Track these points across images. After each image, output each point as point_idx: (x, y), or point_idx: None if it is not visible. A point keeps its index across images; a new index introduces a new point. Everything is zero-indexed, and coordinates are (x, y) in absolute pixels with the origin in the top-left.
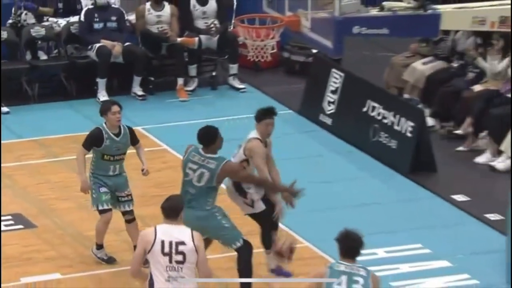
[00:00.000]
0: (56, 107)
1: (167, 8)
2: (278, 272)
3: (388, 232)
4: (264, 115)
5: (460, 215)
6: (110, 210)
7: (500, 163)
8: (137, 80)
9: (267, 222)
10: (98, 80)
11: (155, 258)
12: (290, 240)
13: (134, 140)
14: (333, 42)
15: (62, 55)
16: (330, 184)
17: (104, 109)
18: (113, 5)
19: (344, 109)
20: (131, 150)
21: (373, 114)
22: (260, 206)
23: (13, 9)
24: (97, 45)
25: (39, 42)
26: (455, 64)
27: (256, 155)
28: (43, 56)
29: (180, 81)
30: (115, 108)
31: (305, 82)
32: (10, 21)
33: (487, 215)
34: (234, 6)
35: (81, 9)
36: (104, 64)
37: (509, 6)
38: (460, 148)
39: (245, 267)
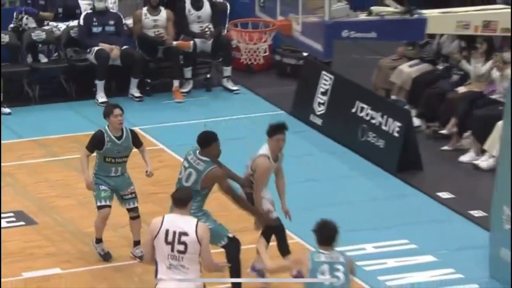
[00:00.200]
0: (56, 108)
1: (163, 13)
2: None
3: (376, 228)
4: (275, 130)
5: (445, 212)
6: (108, 206)
7: (484, 162)
8: (134, 82)
9: (280, 230)
10: (96, 82)
11: (159, 246)
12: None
13: (137, 143)
14: (323, 46)
15: (62, 58)
16: (320, 182)
17: (107, 112)
18: (111, 10)
19: (333, 110)
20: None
21: (361, 114)
22: (273, 215)
23: (14, 13)
24: (96, 48)
25: (40, 45)
26: (440, 67)
27: (258, 172)
28: (43, 59)
29: (176, 83)
30: (116, 111)
31: (296, 84)
32: (11, 25)
33: (471, 212)
34: (228, 11)
35: (80, 13)
36: (103, 66)
37: (492, 12)
38: (445, 148)
39: (233, 264)
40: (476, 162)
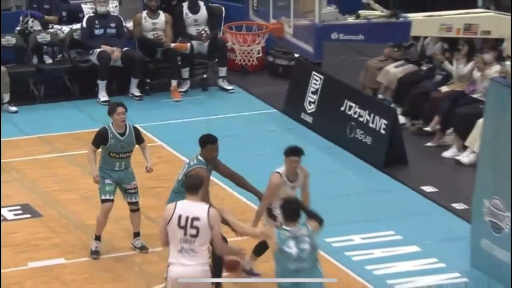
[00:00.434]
0: (60, 106)
1: (162, 16)
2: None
3: (363, 220)
4: (290, 153)
5: (429, 205)
6: (111, 201)
7: (465, 158)
8: (134, 82)
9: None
10: (99, 82)
11: (172, 231)
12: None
13: (139, 139)
14: (314, 47)
15: (66, 59)
16: (310, 177)
17: (110, 110)
18: (112, 14)
19: (323, 109)
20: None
21: (350, 113)
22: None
23: (21, 17)
24: (98, 50)
25: (45, 47)
26: (424, 67)
27: (268, 186)
28: (48, 60)
29: (174, 82)
30: (119, 109)
31: (288, 84)
32: (18, 28)
33: (453, 205)
34: (223, 14)
35: (83, 17)
36: (104, 67)
37: (473, 15)
38: (429, 144)
39: (213, 261)
40: (458, 157)
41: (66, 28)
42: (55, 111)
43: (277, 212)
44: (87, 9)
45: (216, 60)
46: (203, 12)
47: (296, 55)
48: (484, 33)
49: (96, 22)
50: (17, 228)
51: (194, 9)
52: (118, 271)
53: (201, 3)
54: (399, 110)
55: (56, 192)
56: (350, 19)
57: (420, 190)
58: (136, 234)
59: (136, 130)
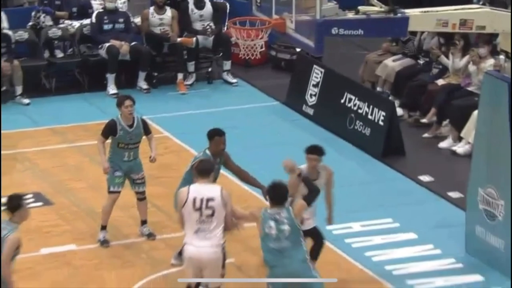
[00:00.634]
0: (71, 99)
1: (169, 12)
2: None
3: (362, 208)
4: (309, 151)
5: (425, 193)
6: (118, 192)
7: (460, 148)
8: (142, 75)
9: (317, 237)
10: (107, 75)
11: (188, 213)
12: None
13: (146, 131)
14: (315, 42)
15: (76, 53)
16: None
17: (119, 102)
18: (120, 9)
19: (324, 101)
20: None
21: (349, 105)
22: (310, 224)
23: (33, 12)
24: (107, 44)
25: (56, 41)
26: (421, 61)
27: (288, 182)
28: (59, 54)
29: (180, 76)
30: (127, 102)
31: (290, 77)
32: (30, 23)
33: (449, 193)
34: (227, 10)
35: (93, 12)
36: (113, 61)
37: (468, 11)
38: (426, 135)
39: None
40: (453, 148)
41: (76, 23)
42: (66, 103)
43: None
44: (96, 5)
45: (221, 54)
46: (208, 7)
47: (298, 50)
48: (479, 28)
49: (105, 17)
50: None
51: (200, 5)
52: (126, 257)
53: None
54: (397, 103)
55: (67, 181)
56: (350, 15)
57: (417, 179)
58: (143, 222)
59: (144, 122)
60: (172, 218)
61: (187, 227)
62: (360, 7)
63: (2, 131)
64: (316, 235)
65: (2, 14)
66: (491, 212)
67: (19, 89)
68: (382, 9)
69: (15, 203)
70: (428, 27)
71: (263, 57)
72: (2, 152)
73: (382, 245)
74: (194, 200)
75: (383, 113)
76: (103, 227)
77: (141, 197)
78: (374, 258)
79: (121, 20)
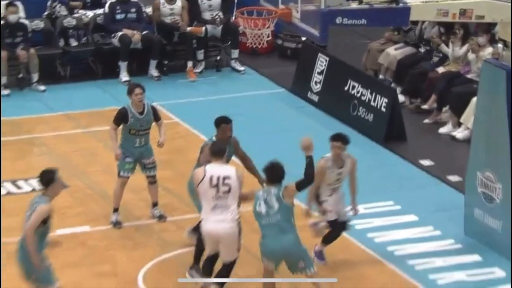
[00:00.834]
0: (85, 86)
1: (179, 2)
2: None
3: (365, 191)
4: (333, 138)
5: (426, 177)
6: (128, 177)
7: (460, 133)
8: (153, 63)
9: (336, 228)
10: (120, 63)
11: (204, 190)
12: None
13: (156, 117)
14: (320, 31)
15: (90, 42)
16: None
17: (129, 91)
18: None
19: (328, 88)
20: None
21: (353, 92)
22: (331, 216)
23: (48, 2)
24: (119, 33)
25: (71, 31)
26: (422, 50)
27: (315, 171)
28: (74, 43)
29: (190, 64)
30: (137, 90)
31: (295, 65)
32: (46, 13)
33: (449, 177)
34: (236, 0)
35: (106, 2)
36: (125, 49)
37: (468, 1)
38: (426, 121)
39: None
40: (453, 133)
41: (90, 13)
42: (80, 90)
43: (324, 198)
44: None
45: (229, 43)
46: None
47: (303, 38)
48: (478, 18)
49: (118, 7)
50: None
51: None
52: (138, 239)
53: None
54: (398, 90)
55: (81, 165)
56: (354, 5)
57: (418, 164)
58: (154, 204)
59: (154, 109)
60: (182, 200)
61: (204, 204)
62: None
63: (19, 117)
64: (336, 225)
65: (19, 4)
66: (489, 195)
67: (35, 77)
68: None
69: (49, 177)
70: (429, 16)
71: (270, 46)
72: (19, 137)
73: (384, 227)
74: (211, 177)
75: (385, 100)
76: (115, 210)
77: (152, 181)
78: (376, 239)
79: (133, 10)
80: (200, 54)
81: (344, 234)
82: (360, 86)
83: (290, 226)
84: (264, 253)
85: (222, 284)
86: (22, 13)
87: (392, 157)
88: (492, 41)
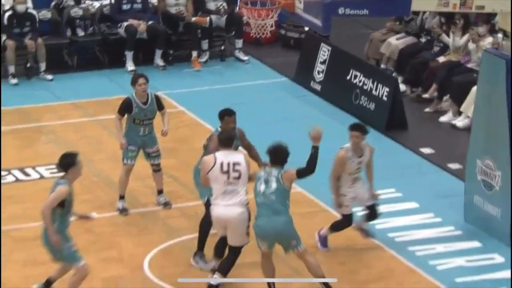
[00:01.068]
0: (91, 75)
1: None
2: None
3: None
4: (351, 128)
5: (426, 165)
6: (132, 165)
7: (460, 122)
8: (158, 53)
9: (348, 219)
10: (126, 53)
11: (215, 176)
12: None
13: (160, 106)
14: (322, 21)
15: (97, 32)
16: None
17: (133, 81)
18: None
19: (331, 77)
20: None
21: (355, 81)
22: (347, 211)
23: None
24: (125, 23)
25: (77, 21)
26: (423, 40)
27: (334, 160)
28: (80, 33)
29: (194, 53)
30: (141, 80)
31: (298, 55)
32: (53, 3)
33: (449, 165)
34: None
35: None
36: (131, 39)
37: None
38: (427, 110)
39: (202, 222)
40: (453, 122)
41: (96, 3)
42: (87, 79)
43: (345, 190)
44: None
45: (233, 33)
46: None
47: (306, 29)
48: (478, 8)
49: None
50: None
51: None
52: (143, 225)
53: None
54: (400, 79)
55: (87, 153)
56: None
57: (418, 152)
58: (160, 192)
59: (157, 98)
60: (187, 188)
61: (215, 189)
62: None
63: (27, 106)
64: (348, 217)
65: None
66: (489, 183)
67: (43, 66)
68: None
69: (69, 161)
70: (430, 7)
71: (273, 36)
72: (27, 125)
73: (385, 214)
74: (222, 164)
75: (387, 89)
76: (121, 197)
77: (157, 169)
78: (378, 226)
79: (138, 0)
80: (205, 44)
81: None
82: (362, 75)
83: (284, 208)
84: (258, 233)
85: (226, 272)
86: (30, 3)
87: (393, 145)
88: (492, 31)
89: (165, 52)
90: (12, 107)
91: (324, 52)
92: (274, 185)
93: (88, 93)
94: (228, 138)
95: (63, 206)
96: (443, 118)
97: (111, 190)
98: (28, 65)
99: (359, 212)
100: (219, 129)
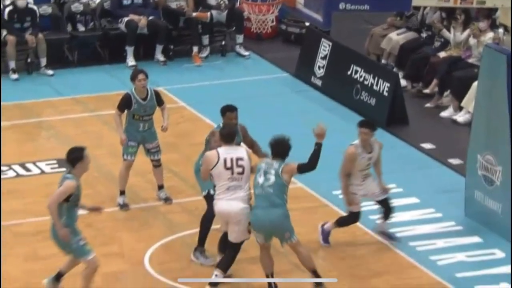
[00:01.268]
0: (92, 70)
1: None
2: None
3: None
4: (359, 124)
5: (427, 160)
6: (132, 160)
7: (461, 117)
8: (159, 48)
9: (355, 216)
10: (127, 48)
11: (219, 173)
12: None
13: (159, 101)
14: (323, 17)
15: (97, 27)
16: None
17: (132, 77)
18: None
19: (332, 73)
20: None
21: (356, 76)
22: (356, 208)
23: None
24: (126, 18)
25: (78, 16)
26: (424, 35)
27: (344, 157)
28: (81, 28)
29: (195, 49)
30: (140, 76)
31: (299, 50)
32: None
33: (450, 160)
34: None
35: None
36: (132, 34)
37: None
38: (428, 105)
39: (204, 217)
40: (454, 117)
41: None
42: (87, 75)
43: (355, 188)
44: None
45: (234, 28)
46: None
47: (307, 24)
48: (479, 3)
49: None
50: (54, 180)
51: None
52: (144, 220)
53: None
54: (400, 74)
55: (88, 148)
56: None
57: (419, 147)
58: (160, 187)
59: (157, 93)
60: (187, 183)
61: (218, 186)
62: None
63: (27, 101)
64: (356, 215)
65: None
66: (490, 178)
67: (43, 61)
68: None
69: (77, 155)
70: (431, 2)
71: (274, 31)
72: (27, 120)
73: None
74: (225, 160)
75: (388, 84)
76: (122, 192)
77: (157, 164)
78: (378, 221)
79: None
80: (205, 39)
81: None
82: (362, 70)
83: (281, 201)
84: (253, 223)
85: (226, 269)
86: None
87: (394, 141)
88: (493, 26)
89: (165, 47)
90: (13, 102)
91: (324, 47)
92: (272, 178)
93: (88, 88)
94: (229, 134)
95: (69, 200)
96: (443, 113)
97: (112, 186)
98: (29, 60)
99: (375, 217)
100: (221, 125)
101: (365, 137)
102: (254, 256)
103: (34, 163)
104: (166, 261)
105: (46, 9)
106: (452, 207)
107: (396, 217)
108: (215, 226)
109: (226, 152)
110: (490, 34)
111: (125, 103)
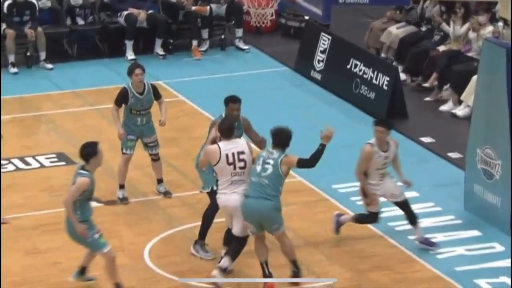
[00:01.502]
0: (91, 64)
1: None
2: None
3: None
4: (375, 123)
5: (427, 154)
6: (131, 154)
7: (460, 111)
8: (158, 42)
9: (371, 217)
10: (126, 42)
11: (222, 168)
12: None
13: (156, 95)
14: (322, 10)
15: (97, 20)
16: (319, 128)
17: (129, 71)
18: None
19: (331, 66)
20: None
21: (355, 70)
22: (375, 209)
23: None
24: (125, 12)
25: (77, 9)
26: (423, 28)
27: (360, 155)
28: (80, 22)
29: (195, 42)
30: (137, 70)
31: (299, 44)
32: None
33: (449, 154)
34: None
35: None
36: (131, 28)
37: None
38: (428, 98)
39: (206, 212)
40: (454, 111)
41: None
42: (86, 68)
43: (374, 188)
44: None
45: (233, 22)
46: None
47: (306, 17)
48: None
49: None
50: (53, 174)
51: None
52: (144, 214)
53: None
54: (400, 68)
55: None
56: None
57: (419, 141)
58: (160, 181)
59: (154, 88)
60: (187, 177)
61: (221, 180)
62: None
63: (27, 95)
64: (375, 215)
65: None
66: (489, 172)
67: (42, 55)
68: None
69: (90, 150)
70: None
71: (273, 25)
72: (27, 114)
73: (385, 203)
74: (227, 156)
75: (387, 78)
76: (121, 186)
77: (155, 158)
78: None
79: None
80: (205, 33)
81: (346, 209)
82: (362, 64)
83: (274, 194)
84: (244, 213)
85: (234, 257)
86: None
87: (393, 135)
88: (493, 19)
89: (165, 41)
90: (12, 96)
91: (324, 41)
92: (270, 168)
93: (88, 82)
94: (228, 128)
95: (82, 195)
96: (443, 107)
97: (111, 180)
98: (28, 54)
99: (399, 227)
100: (223, 115)
101: (381, 136)
102: (252, 250)
103: (33, 157)
104: (166, 255)
105: (45, 3)
106: (451, 201)
107: (396, 210)
108: (217, 219)
109: (227, 147)
110: (489, 28)
111: (122, 98)
